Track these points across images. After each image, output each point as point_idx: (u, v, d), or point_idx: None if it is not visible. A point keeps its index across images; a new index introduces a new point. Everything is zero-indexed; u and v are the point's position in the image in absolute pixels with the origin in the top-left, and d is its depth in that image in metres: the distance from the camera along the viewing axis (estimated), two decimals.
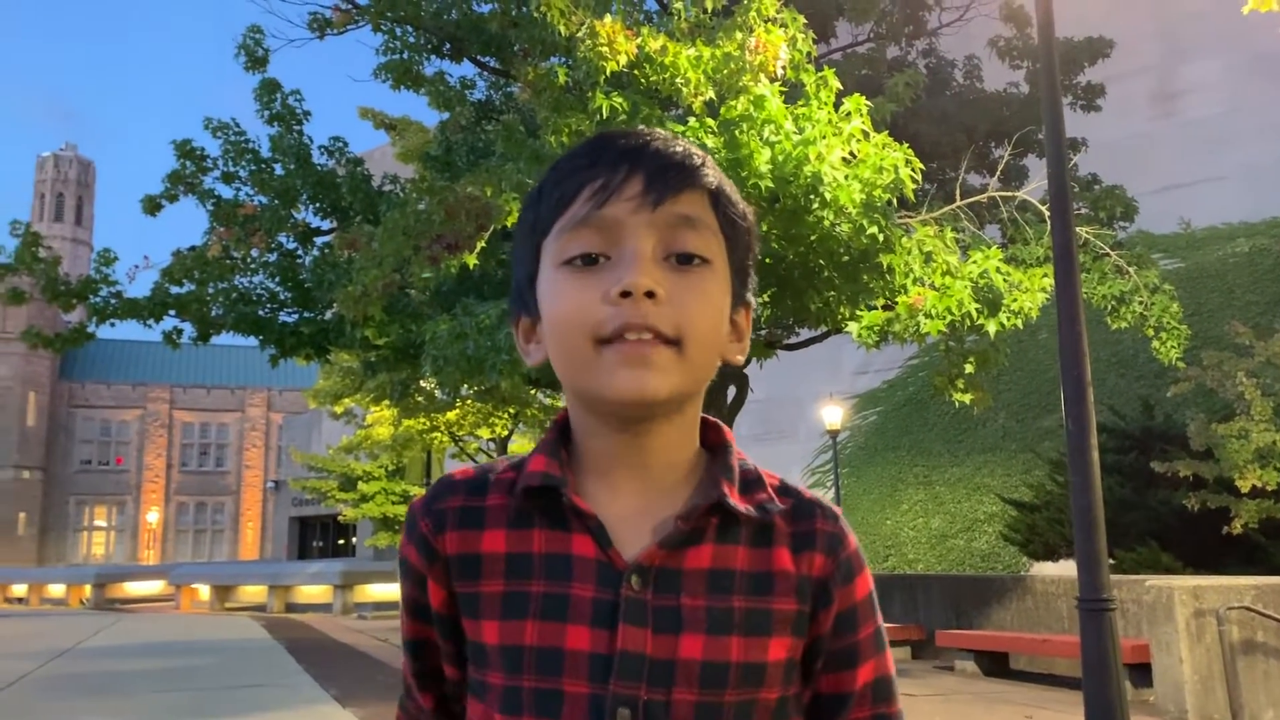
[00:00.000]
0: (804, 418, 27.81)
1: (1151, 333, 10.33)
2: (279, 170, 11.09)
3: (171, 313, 10.52)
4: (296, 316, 10.97)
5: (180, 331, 10.70)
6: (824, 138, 6.94)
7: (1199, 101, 22.73)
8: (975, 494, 24.56)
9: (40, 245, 10.52)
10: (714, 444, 0.94)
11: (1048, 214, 9.65)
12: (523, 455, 0.94)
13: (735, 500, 0.89)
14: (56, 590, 34.63)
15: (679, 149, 0.90)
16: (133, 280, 10.92)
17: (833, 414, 23.29)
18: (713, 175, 0.91)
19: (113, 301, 10.48)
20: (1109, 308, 10.20)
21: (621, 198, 0.87)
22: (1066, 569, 12.11)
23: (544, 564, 0.88)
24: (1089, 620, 5.13)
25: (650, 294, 0.85)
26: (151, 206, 10.78)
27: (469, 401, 16.68)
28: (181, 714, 8.56)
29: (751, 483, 0.92)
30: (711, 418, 0.94)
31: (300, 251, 11.61)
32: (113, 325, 10.56)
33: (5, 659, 13.54)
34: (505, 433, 19.87)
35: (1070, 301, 5.24)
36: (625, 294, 0.85)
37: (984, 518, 23.05)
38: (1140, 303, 10.18)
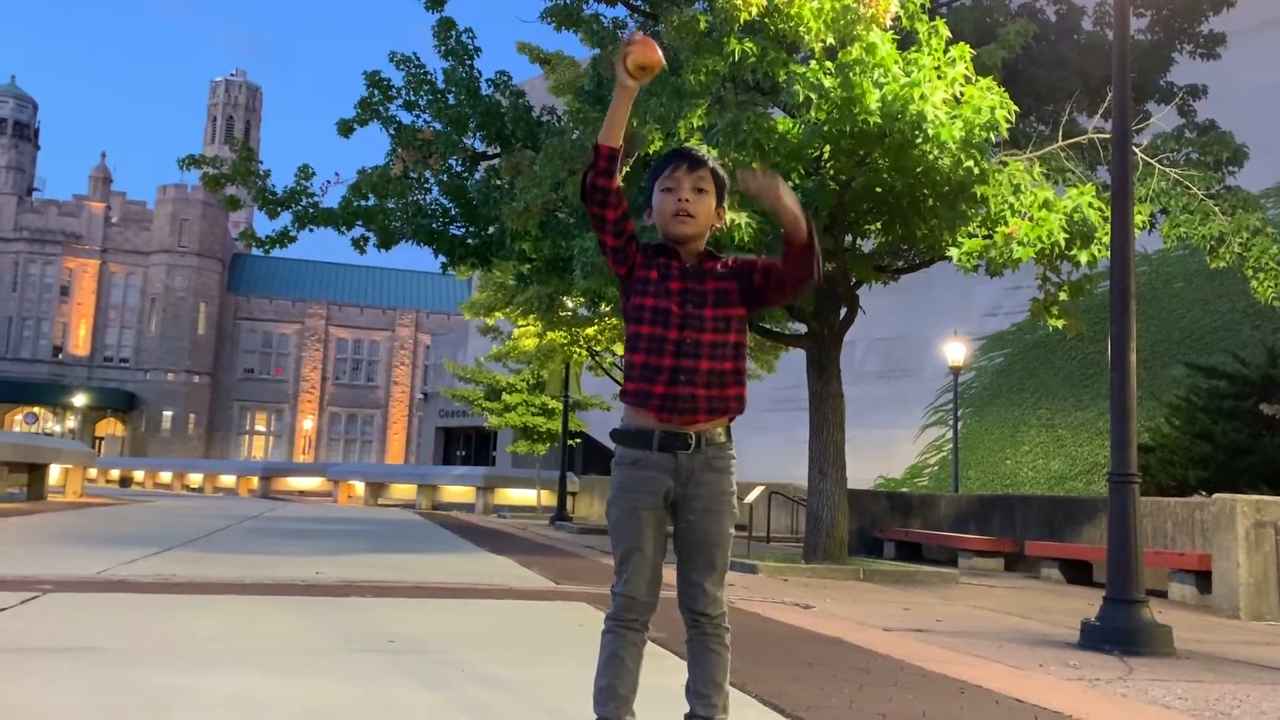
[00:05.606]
0: (930, 358, 28.36)
1: (1250, 273, 10.87)
2: (451, 100, 12.58)
3: (359, 223, 12.22)
4: (464, 230, 12.53)
5: (366, 240, 12.41)
6: (928, 81, 7.92)
7: None
8: (1097, 438, 24.78)
9: (253, 161, 12.36)
10: (709, 250, 2.64)
11: (1140, 157, 10.34)
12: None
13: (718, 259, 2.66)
14: (227, 480, 38.28)
15: (700, 154, 2.65)
16: (324, 193, 12.64)
17: (956, 351, 23.82)
18: (711, 162, 2.64)
19: (311, 210, 12.25)
20: (1209, 247, 10.79)
21: (680, 170, 2.59)
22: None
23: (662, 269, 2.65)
24: (1116, 491, 6.12)
25: (687, 200, 2.57)
26: (344, 129, 12.46)
27: (607, 319, 18.12)
28: (364, 551, 10.32)
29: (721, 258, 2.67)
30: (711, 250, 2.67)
31: (465, 174, 13.12)
32: (310, 231, 12.34)
33: (206, 518, 15.87)
34: None
35: (1123, 218, 6.18)
36: (679, 199, 2.57)
37: (1104, 462, 23.28)
38: (1241, 244, 10.72)
